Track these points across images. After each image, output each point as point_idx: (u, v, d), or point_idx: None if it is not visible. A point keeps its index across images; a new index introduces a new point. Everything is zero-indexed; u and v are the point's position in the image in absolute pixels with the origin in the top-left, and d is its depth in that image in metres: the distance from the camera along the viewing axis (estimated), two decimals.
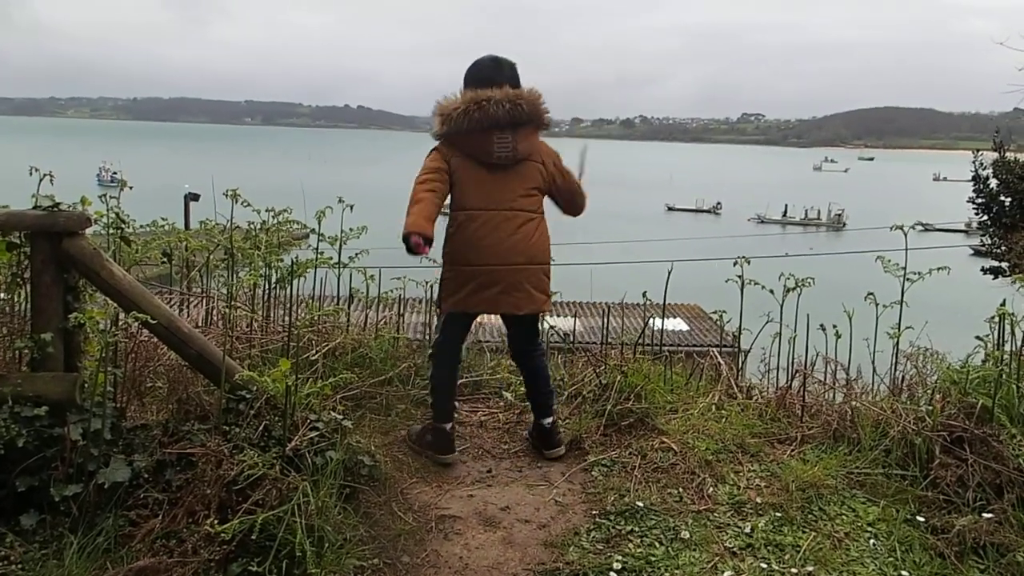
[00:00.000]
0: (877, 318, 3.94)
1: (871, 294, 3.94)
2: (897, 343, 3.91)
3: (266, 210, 4.30)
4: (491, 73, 3.60)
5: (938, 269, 3.89)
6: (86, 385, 2.93)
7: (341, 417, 3.17)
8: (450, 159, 3.53)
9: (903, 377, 3.89)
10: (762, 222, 67.92)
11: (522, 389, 4.33)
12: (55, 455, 2.78)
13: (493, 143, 3.51)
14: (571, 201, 3.80)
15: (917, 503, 3.19)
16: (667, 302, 4.56)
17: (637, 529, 3.09)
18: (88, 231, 3.05)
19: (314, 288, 4.56)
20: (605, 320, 4.86)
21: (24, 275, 3.07)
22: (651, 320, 4.70)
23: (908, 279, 3.89)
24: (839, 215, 67.78)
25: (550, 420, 3.76)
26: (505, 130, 3.50)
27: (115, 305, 3.12)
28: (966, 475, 3.18)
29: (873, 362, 3.99)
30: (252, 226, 4.34)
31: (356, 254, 4.42)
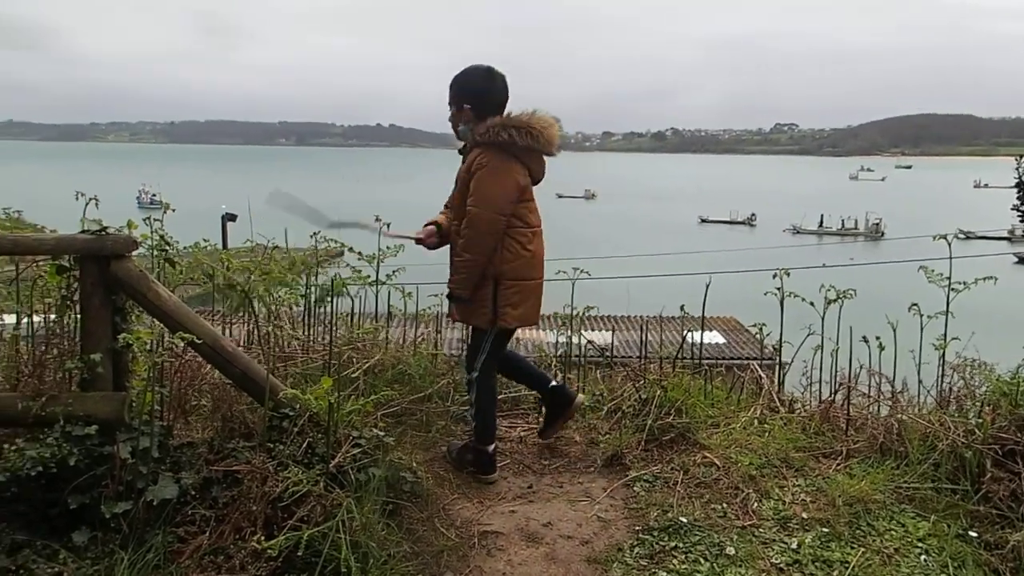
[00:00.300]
0: (921, 329, 3.87)
1: (915, 305, 3.87)
2: (943, 354, 3.83)
3: (310, 236, 4.35)
4: (502, 87, 3.60)
5: (984, 279, 3.82)
6: (134, 404, 2.98)
7: (383, 434, 3.19)
8: (521, 176, 3.53)
9: (950, 389, 3.82)
10: (797, 233, 67.13)
11: None
12: (105, 473, 2.83)
13: (544, 164, 3.66)
14: None
15: (969, 518, 3.13)
16: (705, 315, 4.53)
17: (681, 545, 3.07)
18: (133, 253, 3.11)
19: (353, 306, 4.59)
20: (643, 334, 4.83)
21: (74, 297, 3.13)
22: (689, 333, 4.66)
23: (953, 289, 3.83)
24: (877, 224, 66.80)
25: (555, 379, 3.91)
26: None
27: (161, 325, 3.17)
28: (1020, 489, 3.12)
29: (919, 374, 3.91)
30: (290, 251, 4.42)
31: (393, 271, 4.45)
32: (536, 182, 3.65)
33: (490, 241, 3.46)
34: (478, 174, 3.45)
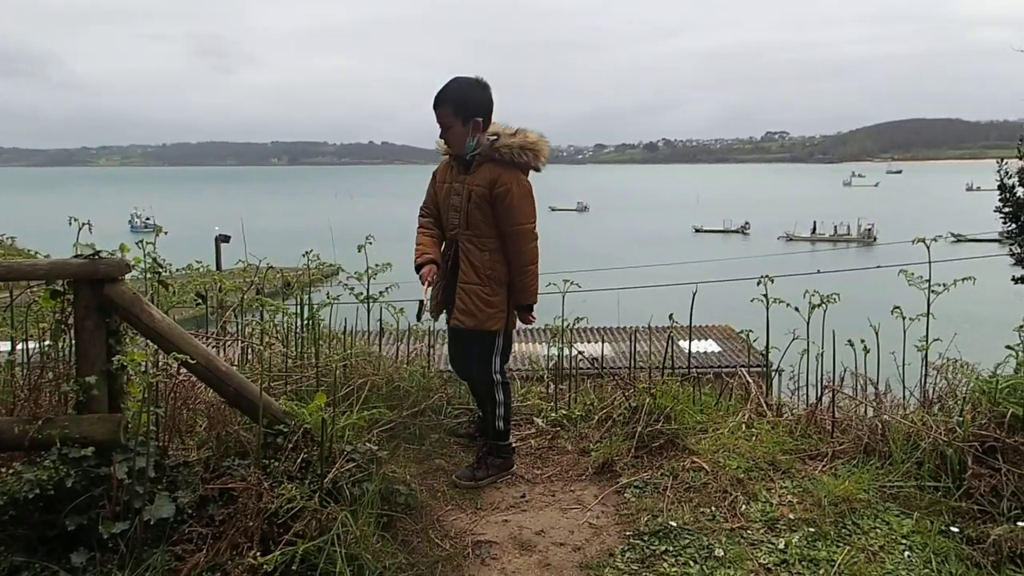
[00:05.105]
0: (904, 332, 3.94)
1: (897, 307, 3.95)
2: (926, 356, 3.90)
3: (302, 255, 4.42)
4: (491, 97, 3.74)
5: (963, 280, 3.90)
6: (129, 425, 3.02)
7: (376, 448, 3.23)
8: None
9: (933, 389, 3.88)
10: (791, 240, 67.40)
11: (553, 415, 4.39)
12: (102, 494, 2.85)
13: None
14: None
15: (951, 514, 3.19)
16: (699, 324, 4.59)
17: (671, 549, 3.12)
18: (127, 276, 3.16)
19: (346, 323, 4.64)
20: (633, 344, 4.89)
21: (68, 321, 3.17)
22: (676, 341, 4.72)
23: (933, 291, 3.90)
24: (869, 230, 67.13)
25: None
26: None
27: (155, 346, 3.21)
28: (1000, 484, 3.18)
29: (902, 376, 3.98)
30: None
31: (386, 288, 4.50)
32: None
33: (534, 269, 3.76)
34: (517, 192, 3.64)
